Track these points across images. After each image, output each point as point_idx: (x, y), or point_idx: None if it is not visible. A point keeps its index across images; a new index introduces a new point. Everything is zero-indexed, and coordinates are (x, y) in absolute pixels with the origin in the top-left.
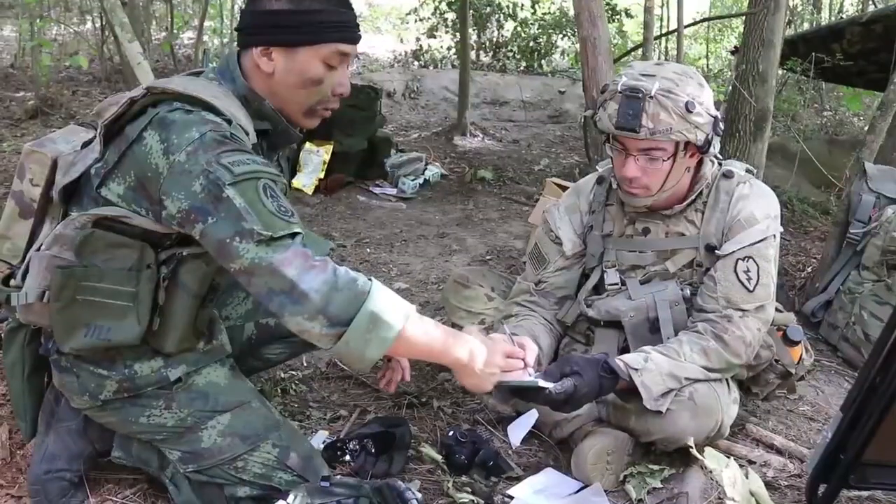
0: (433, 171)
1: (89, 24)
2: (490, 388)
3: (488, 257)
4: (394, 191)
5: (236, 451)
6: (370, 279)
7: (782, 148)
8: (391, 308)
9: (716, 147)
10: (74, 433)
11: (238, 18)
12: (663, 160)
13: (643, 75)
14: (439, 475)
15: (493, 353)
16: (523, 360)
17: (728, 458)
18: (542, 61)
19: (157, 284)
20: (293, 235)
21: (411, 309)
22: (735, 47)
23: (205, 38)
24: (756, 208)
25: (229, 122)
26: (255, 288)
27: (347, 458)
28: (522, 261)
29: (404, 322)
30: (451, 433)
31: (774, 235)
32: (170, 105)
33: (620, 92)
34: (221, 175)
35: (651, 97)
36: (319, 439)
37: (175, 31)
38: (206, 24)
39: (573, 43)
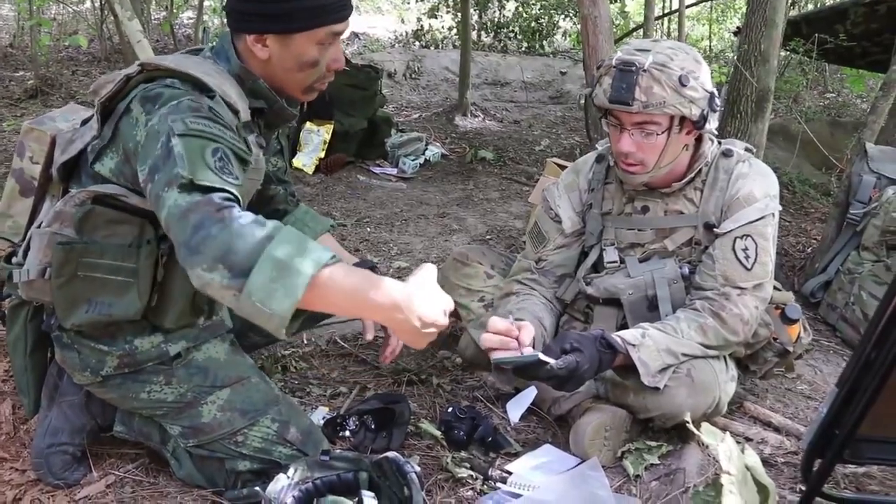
0: (434, 151)
1: (88, 4)
2: (424, 345)
3: (488, 237)
4: (394, 171)
5: (236, 425)
6: (283, 226)
7: (784, 129)
8: (301, 253)
9: (712, 123)
10: (77, 408)
11: None
12: (657, 134)
13: (638, 50)
14: (438, 451)
15: (431, 309)
16: (517, 339)
17: (724, 433)
18: (544, 42)
19: (157, 260)
20: (217, 190)
21: (329, 256)
22: (737, 28)
23: (205, 17)
24: (755, 187)
25: (213, 96)
26: (173, 242)
27: (347, 433)
28: (522, 240)
29: (317, 267)
30: (450, 409)
31: (773, 214)
32: (161, 81)
33: (615, 66)
34: (175, 127)
35: (644, 70)
36: (319, 415)
37: (175, 11)
38: (206, 3)
39: (575, 23)
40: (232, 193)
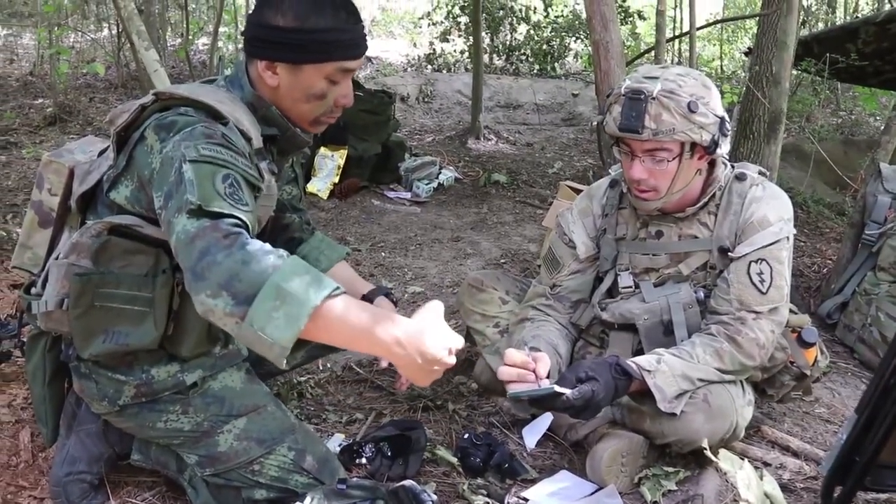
0: (447, 174)
1: (106, 32)
2: (429, 384)
3: (503, 261)
4: (408, 195)
5: (252, 454)
6: (289, 255)
7: (797, 149)
8: (306, 283)
9: (723, 148)
10: (94, 436)
11: None
12: (668, 161)
13: (646, 77)
14: (454, 478)
15: (433, 346)
16: (534, 371)
17: (742, 459)
18: (555, 64)
19: (172, 289)
20: (227, 216)
21: (333, 287)
22: (749, 48)
23: (219, 43)
24: (769, 210)
25: (226, 124)
26: (181, 266)
27: (363, 461)
28: (537, 264)
29: (320, 298)
30: (466, 436)
31: (788, 238)
32: (175, 110)
33: (624, 94)
34: (188, 153)
35: (653, 98)
36: (335, 442)
37: (190, 38)
38: (221, 29)
39: (586, 45)
40: (241, 219)
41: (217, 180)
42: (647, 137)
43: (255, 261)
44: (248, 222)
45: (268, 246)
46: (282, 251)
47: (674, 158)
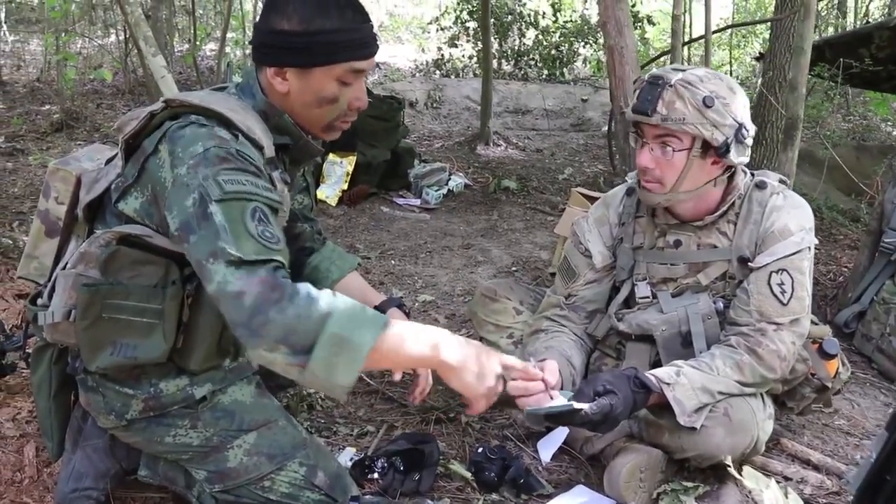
0: (457, 181)
1: (113, 37)
2: (484, 394)
3: (514, 268)
4: (417, 201)
5: (263, 470)
6: (337, 296)
7: (810, 155)
8: (359, 325)
9: (739, 156)
10: (101, 451)
11: None
12: (675, 150)
13: (672, 69)
14: (469, 493)
15: (487, 356)
16: (543, 380)
17: (768, 477)
18: (564, 69)
19: (182, 301)
20: (266, 262)
21: (383, 321)
22: (760, 53)
23: (227, 49)
24: (790, 220)
25: (238, 136)
26: (225, 316)
27: (376, 475)
28: (549, 272)
29: (374, 338)
30: (480, 449)
31: (809, 248)
32: (186, 118)
33: (646, 80)
34: (212, 190)
35: (670, 85)
36: (347, 456)
37: (198, 44)
38: (229, 35)
39: (595, 51)
40: (279, 262)
41: (247, 220)
42: (656, 122)
43: (308, 313)
44: (284, 262)
45: (313, 290)
46: (328, 292)
47: (681, 150)
